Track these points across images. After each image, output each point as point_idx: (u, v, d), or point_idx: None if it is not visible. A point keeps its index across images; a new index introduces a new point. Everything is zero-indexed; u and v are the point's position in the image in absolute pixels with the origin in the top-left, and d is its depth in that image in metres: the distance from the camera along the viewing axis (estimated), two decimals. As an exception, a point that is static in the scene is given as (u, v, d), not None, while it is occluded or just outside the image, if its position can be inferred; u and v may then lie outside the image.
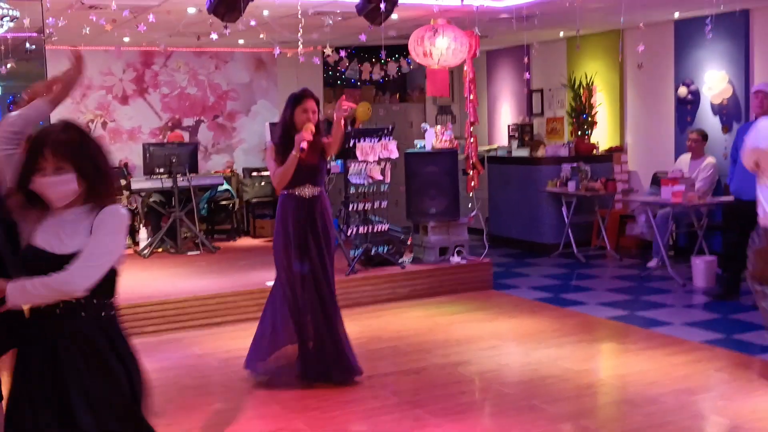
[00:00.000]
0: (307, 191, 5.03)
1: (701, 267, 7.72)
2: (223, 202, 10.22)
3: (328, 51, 7.85)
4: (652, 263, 8.41)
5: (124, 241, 2.70)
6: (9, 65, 7.40)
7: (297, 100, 5.00)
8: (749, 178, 6.97)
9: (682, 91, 9.20)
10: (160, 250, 9.17)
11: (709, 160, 8.29)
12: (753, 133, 5.10)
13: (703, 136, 8.48)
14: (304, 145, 4.82)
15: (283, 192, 5.08)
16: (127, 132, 10.70)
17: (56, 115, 10.12)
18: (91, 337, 2.61)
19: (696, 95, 9.13)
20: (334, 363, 5.07)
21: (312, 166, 5.02)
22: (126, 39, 9.40)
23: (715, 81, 8.85)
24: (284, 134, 5.03)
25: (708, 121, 9.00)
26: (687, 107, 9.27)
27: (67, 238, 2.61)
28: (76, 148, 2.60)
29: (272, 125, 10.67)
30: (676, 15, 8.82)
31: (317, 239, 5.02)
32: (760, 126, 5.08)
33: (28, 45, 7.24)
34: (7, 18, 6.48)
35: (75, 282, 2.53)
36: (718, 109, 8.91)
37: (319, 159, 5.06)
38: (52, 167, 2.56)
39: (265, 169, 10.78)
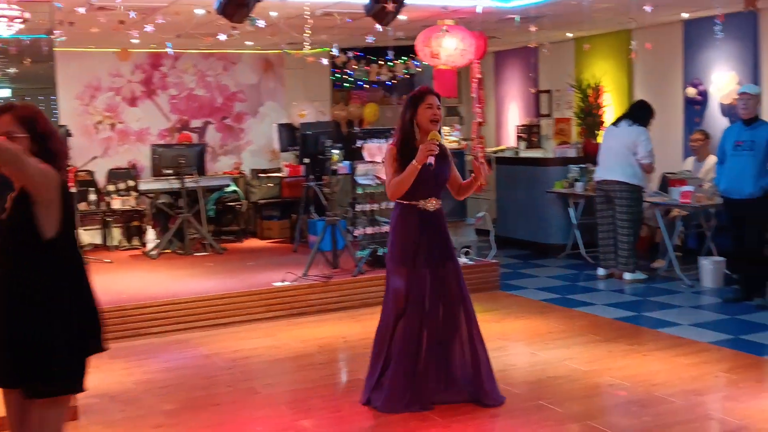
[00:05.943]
0: (431, 205, 4.62)
1: (709, 268, 7.70)
2: (231, 204, 10.24)
3: (335, 52, 7.85)
4: (656, 264, 8.41)
5: None
6: (12, 69, 7.41)
7: (418, 98, 4.52)
8: (737, 177, 6.96)
9: (691, 91, 9.17)
10: (168, 251, 9.19)
11: (714, 159, 8.26)
12: None
13: (706, 137, 8.48)
14: (432, 160, 4.41)
15: (402, 201, 4.59)
16: (135, 133, 10.72)
17: (65, 115, 10.11)
18: None
19: (704, 96, 9.10)
20: (478, 386, 4.65)
21: (440, 176, 4.59)
22: (135, 41, 9.42)
23: (723, 81, 8.82)
24: (404, 138, 4.54)
25: (716, 121, 8.97)
26: (695, 108, 9.24)
27: None
28: None
29: (280, 126, 10.70)
30: (685, 15, 8.79)
31: (449, 256, 4.69)
32: None
33: (43, 46, 7.24)
34: (19, 20, 6.48)
35: None
36: (726, 110, 8.88)
37: (445, 169, 4.63)
38: None
39: (273, 170, 10.81)
